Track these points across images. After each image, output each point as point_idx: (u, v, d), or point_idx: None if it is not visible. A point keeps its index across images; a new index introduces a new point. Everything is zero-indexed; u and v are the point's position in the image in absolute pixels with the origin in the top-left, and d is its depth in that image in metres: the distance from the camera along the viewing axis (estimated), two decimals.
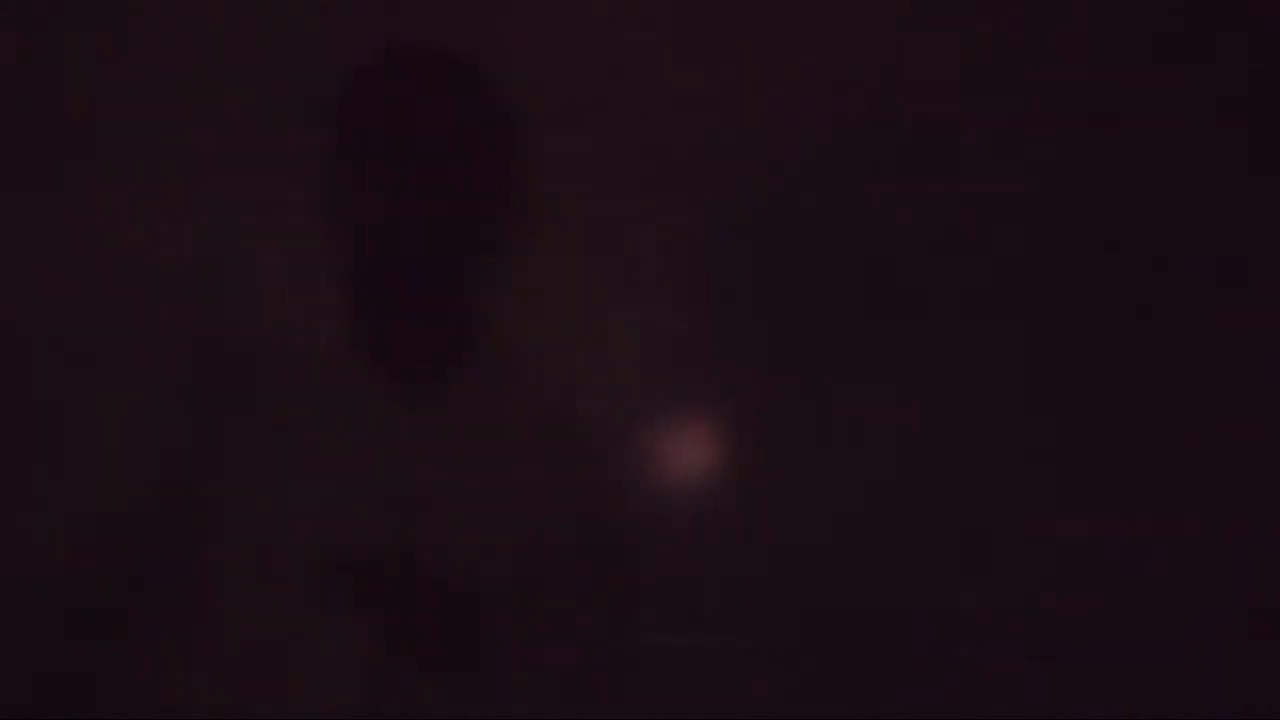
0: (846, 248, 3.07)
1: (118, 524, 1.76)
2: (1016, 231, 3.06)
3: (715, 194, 3.08)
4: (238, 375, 1.74)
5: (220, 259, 3.11)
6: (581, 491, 1.82)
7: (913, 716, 3.00)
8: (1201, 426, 3.03)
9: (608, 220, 3.07)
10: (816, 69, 3.11)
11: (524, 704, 1.72)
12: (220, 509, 1.70)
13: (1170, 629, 3.00)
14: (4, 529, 3.02)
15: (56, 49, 3.15)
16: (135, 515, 1.75)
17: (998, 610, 3.00)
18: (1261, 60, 3.06)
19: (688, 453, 3.05)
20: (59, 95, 3.14)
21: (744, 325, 3.08)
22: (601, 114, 3.15)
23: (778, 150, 3.09)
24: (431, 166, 1.71)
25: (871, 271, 3.06)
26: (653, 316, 3.07)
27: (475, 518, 1.71)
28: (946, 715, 3.00)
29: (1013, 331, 3.05)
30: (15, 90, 3.14)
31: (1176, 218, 3.07)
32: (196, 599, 1.70)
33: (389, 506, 1.66)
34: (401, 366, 1.74)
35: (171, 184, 3.11)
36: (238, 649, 1.68)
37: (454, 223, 1.73)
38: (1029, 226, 3.06)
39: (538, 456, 1.78)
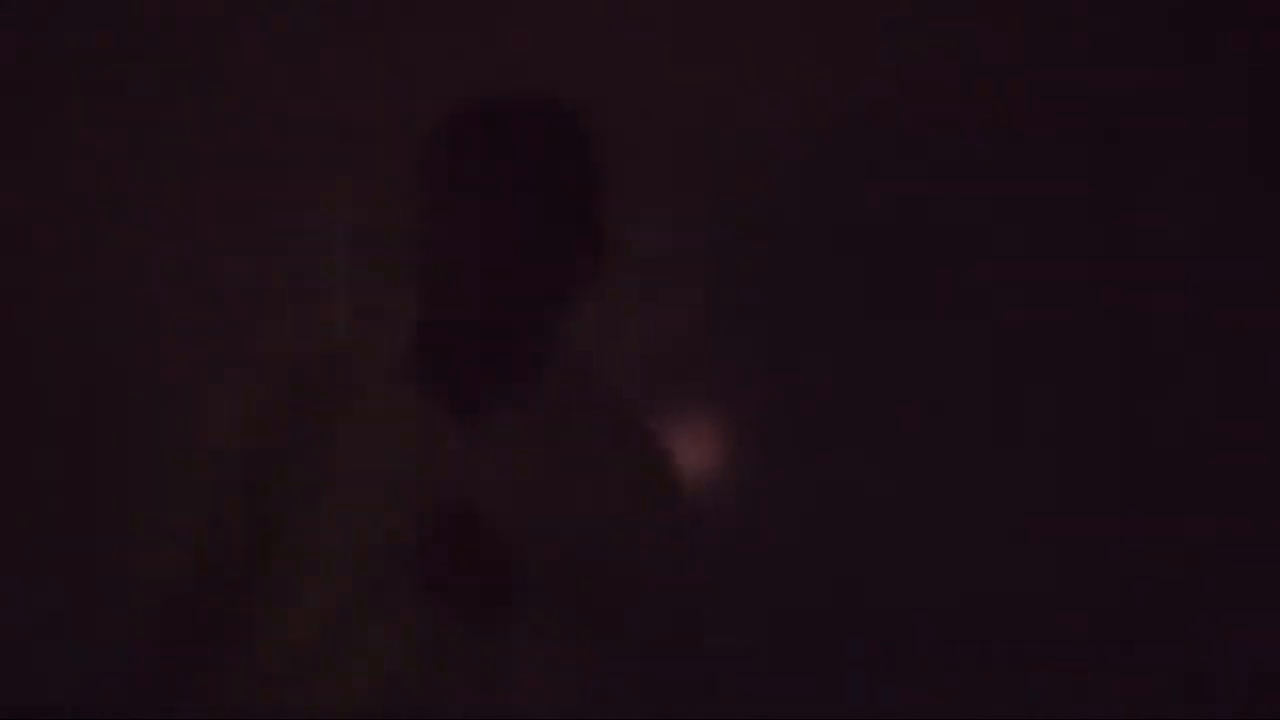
0: (847, 248, 3.07)
1: (201, 528, 1.81)
2: (1017, 232, 3.06)
3: (715, 194, 3.09)
4: (307, 382, 1.79)
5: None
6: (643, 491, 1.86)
7: (912, 716, 3.00)
8: (1201, 426, 3.03)
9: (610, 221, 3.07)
10: (817, 70, 3.11)
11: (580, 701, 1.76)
12: (285, 512, 1.74)
13: (1170, 629, 3.00)
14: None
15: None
16: (213, 518, 1.80)
17: (998, 610, 3.00)
18: (1261, 60, 3.07)
19: (691, 453, 3.05)
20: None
21: (745, 326, 3.08)
22: (602, 114, 3.14)
23: (778, 151, 3.09)
24: (513, 197, 1.76)
25: (872, 271, 3.06)
26: (653, 317, 3.07)
27: (534, 518, 1.75)
28: (946, 715, 3.00)
29: (1012, 331, 3.05)
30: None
31: (1176, 218, 3.07)
32: (262, 599, 1.75)
33: (443, 509, 1.70)
34: (465, 383, 1.78)
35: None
36: (298, 647, 1.72)
37: (533, 252, 1.78)
38: (1029, 226, 3.06)
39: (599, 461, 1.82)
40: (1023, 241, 3.06)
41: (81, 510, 3.08)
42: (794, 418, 3.06)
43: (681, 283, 3.08)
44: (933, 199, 3.07)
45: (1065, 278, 3.05)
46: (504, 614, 1.69)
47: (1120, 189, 3.06)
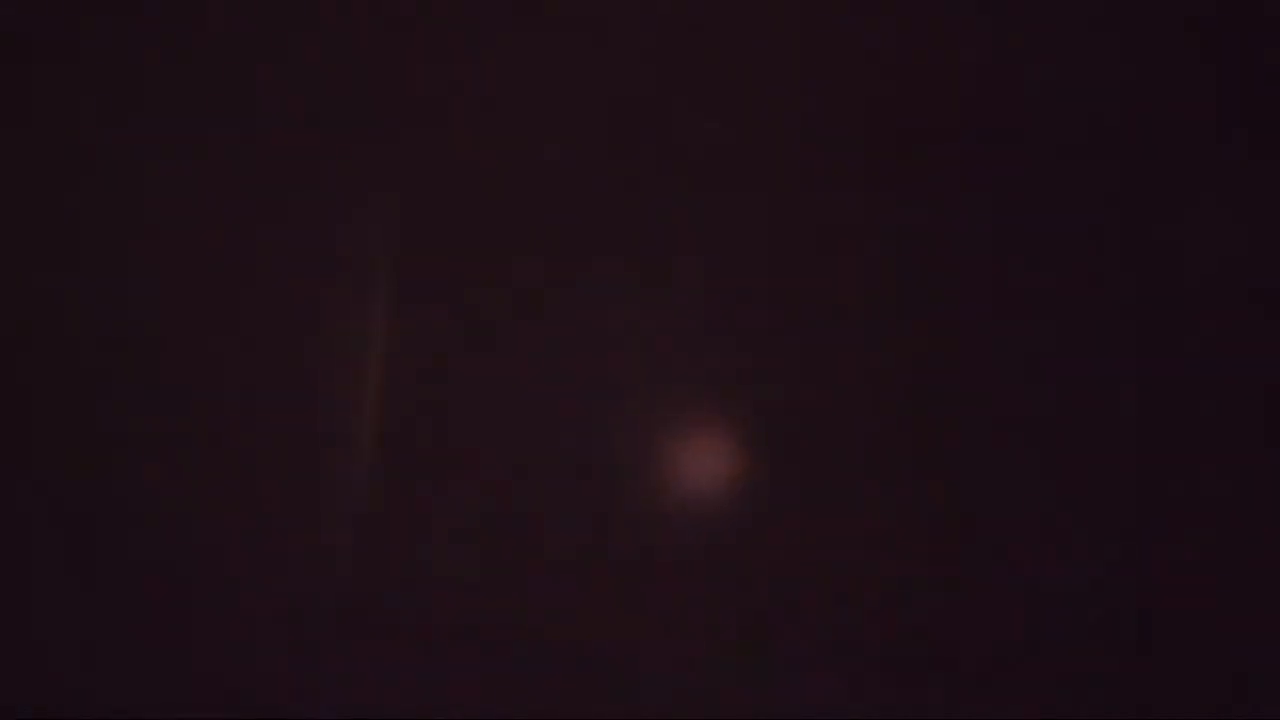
0: (850, 249, 3.08)
1: None
2: (1017, 233, 3.07)
3: (719, 195, 3.10)
4: None
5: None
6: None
7: (912, 716, 2.99)
8: (1204, 428, 3.03)
9: (611, 222, 3.09)
10: (819, 72, 3.13)
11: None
12: None
13: (1171, 630, 2.99)
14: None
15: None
16: None
17: (998, 611, 2.99)
18: (1261, 60, 3.08)
19: (696, 456, 3.06)
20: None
21: (749, 330, 3.09)
22: (603, 115, 3.17)
23: (779, 152, 3.11)
24: None
25: (874, 274, 3.07)
26: (657, 319, 3.08)
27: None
28: (946, 715, 2.99)
29: (1015, 333, 3.05)
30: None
31: (1177, 223, 3.08)
32: None
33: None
34: None
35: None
36: None
37: None
38: (1030, 228, 3.07)
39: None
40: (1023, 243, 3.07)
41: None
42: (794, 421, 3.06)
43: (685, 287, 3.10)
44: (936, 201, 3.08)
45: (1081, 286, 3.06)
46: None
47: (1138, 204, 3.08)
